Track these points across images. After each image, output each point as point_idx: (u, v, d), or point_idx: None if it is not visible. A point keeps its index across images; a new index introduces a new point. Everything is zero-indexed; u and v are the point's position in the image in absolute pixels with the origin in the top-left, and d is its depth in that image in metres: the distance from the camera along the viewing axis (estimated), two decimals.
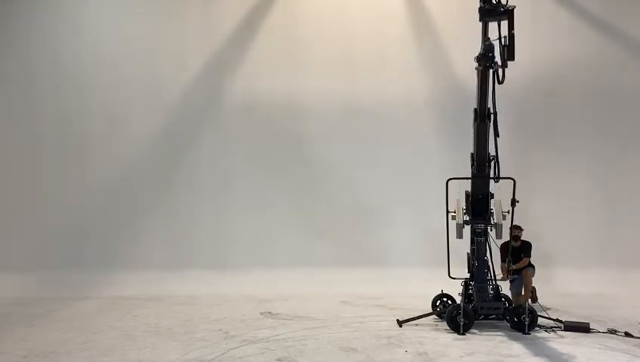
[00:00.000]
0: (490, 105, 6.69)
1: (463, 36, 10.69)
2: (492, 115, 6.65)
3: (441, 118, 10.54)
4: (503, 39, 5.42)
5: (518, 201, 7.29)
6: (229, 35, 10.75)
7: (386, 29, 10.67)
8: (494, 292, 7.13)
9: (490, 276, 7.23)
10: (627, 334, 6.56)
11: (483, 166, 6.97)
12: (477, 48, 10.94)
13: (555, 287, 9.18)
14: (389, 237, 10.36)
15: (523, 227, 8.09)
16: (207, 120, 10.72)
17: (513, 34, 5.35)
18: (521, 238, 8.06)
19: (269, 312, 8.11)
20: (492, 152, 7.21)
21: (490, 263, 7.33)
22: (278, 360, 5.66)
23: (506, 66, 5.52)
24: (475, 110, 6.65)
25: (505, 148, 10.36)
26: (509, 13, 5.33)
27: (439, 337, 6.51)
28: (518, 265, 7.83)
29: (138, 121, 10.69)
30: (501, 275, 7.64)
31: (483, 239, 7.19)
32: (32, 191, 10.64)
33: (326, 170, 10.56)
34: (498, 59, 5.48)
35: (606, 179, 10.23)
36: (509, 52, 5.39)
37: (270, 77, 10.62)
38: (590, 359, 5.66)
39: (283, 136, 10.59)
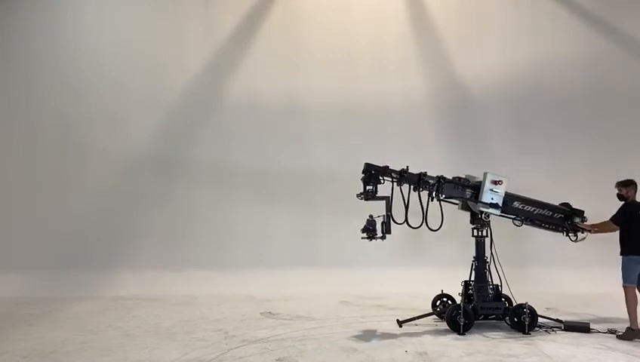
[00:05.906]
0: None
1: (463, 36, 10.73)
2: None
3: (441, 116, 10.55)
4: (383, 216, 6.82)
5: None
6: (229, 35, 10.76)
7: (386, 28, 10.69)
8: (494, 292, 7.13)
9: (491, 276, 7.21)
10: None
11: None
12: (476, 48, 10.95)
13: (555, 287, 9.19)
14: (389, 237, 10.31)
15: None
16: (207, 120, 10.73)
17: (389, 215, 6.82)
18: (630, 196, 6.91)
19: (269, 312, 8.10)
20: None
21: (489, 263, 7.31)
22: (278, 360, 5.65)
23: (384, 238, 6.95)
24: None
25: (504, 147, 10.46)
26: (386, 199, 6.81)
27: (439, 337, 6.51)
28: (594, 227, 7.33)
29: (138, 121, 10.72)
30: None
31: (483, 239, 7.18)
32: (32, 191, 10.65)
33: (326, 170, 10.56)
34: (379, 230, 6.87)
35: (606, 178, 10.17)
36: (386, 228, 6.86)
37: (270, 77, 10.64)
38: (590, 359, 5.66)
39: (283, 136, 10.61)
